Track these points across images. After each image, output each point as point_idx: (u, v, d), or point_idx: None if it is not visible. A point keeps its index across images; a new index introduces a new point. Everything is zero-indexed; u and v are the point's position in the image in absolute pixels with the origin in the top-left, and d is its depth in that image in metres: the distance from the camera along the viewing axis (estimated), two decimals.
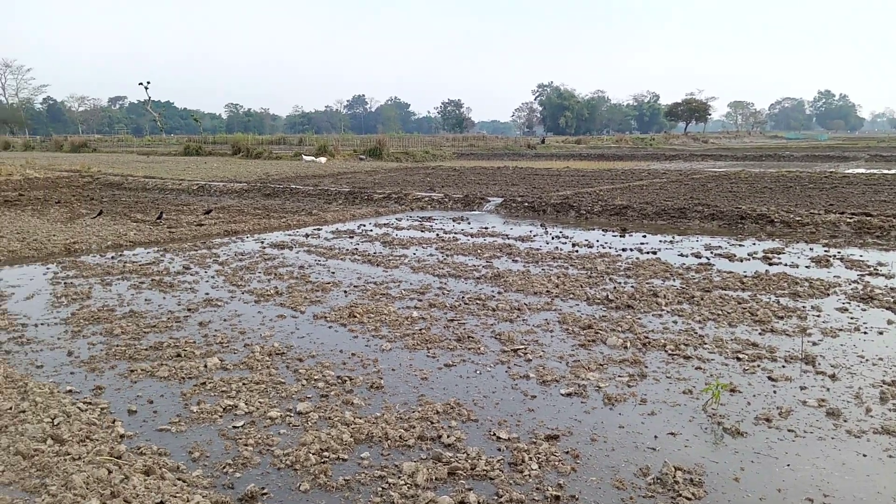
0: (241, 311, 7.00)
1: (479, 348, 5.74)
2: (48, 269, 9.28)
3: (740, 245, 10.83)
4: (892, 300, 7.11)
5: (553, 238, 11.64)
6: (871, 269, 8.77)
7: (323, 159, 36.52)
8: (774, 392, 4.79)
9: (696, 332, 6.10)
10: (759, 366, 5.28)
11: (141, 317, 6.79)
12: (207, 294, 7.73)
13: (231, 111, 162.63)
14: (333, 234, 12.30)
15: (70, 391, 4.87)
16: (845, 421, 4.30)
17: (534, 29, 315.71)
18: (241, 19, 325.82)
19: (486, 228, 12.73)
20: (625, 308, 6.95)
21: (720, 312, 6.70)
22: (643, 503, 3.42)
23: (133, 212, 15.52)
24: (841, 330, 6.17)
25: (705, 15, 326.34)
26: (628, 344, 5.79)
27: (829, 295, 7.45)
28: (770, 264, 9.19)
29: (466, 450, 3.91)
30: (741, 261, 9.49)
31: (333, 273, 8.84)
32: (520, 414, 4.46)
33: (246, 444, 4.01)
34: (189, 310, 7.06)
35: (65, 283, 8.31)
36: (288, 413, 4.46)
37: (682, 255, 9.97)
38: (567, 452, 3.91)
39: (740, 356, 5.46)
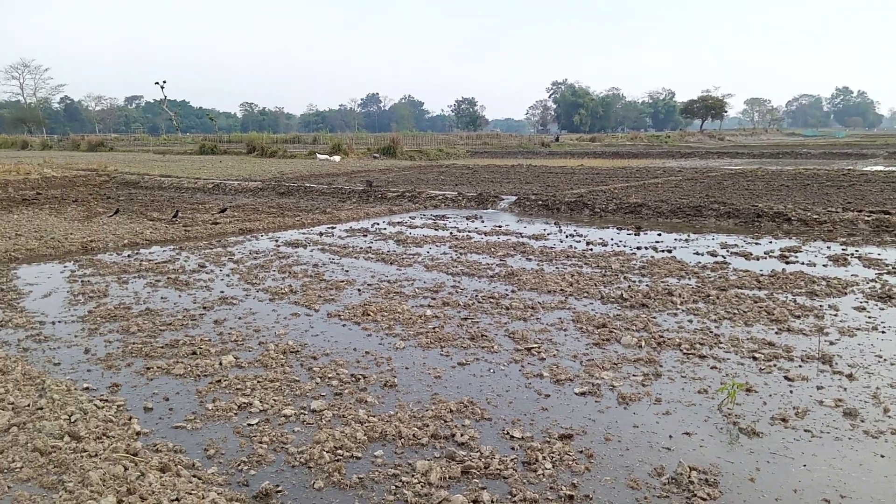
0: (255, 310, 7.03)
1: (492, 347, 5.74)
2: (65, 267, 9.37)
3: (757, 243, 10.74)
4: None
5: (567, 236, 11.60)
6: (890, 267, 8.66)
7: (337, 158, 36.62)
8: (791, 392, 4.75)
9: (711, 332, 6.06)
10: (775, 365, 5.23)
11: (157, 315, 6.84)
12: (222, 292, 7.77)
13: (246, 110, 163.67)
14: (347, 232, 12.34)
15: (87, 388, 4.91)
16: (863, 421, 4.26)
17: (548, 26, 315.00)
18: (256, 19, 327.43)
19: (500, 227, 12.71)
20: (639, 307, 6.92)
21: (736, 311, 6.65)
22: (658, 503, 3.40)
23: (149, 210, 15.64)
24: (858, 329, 6.11)
25: (722, 11, 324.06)
26: (643, 343, 5.76)
27: (846, 294, 7.37)
28: (787, 263, 9.11)
29: (480, 448, 3.91)
30: (757, 259, 9.42)
31: (347, 271, 8.86)
32: (533, 413, 4.45)
33: (260, 442, 4.03)
34: (204, 308, 7.10)
35: (82, 281, 8.40)
36: (302, 411, 4.48)
37: (697, 253, 9.91)
38: (581, 452, 3.89)
39: (756, 355, 5.41)
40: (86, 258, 9.93)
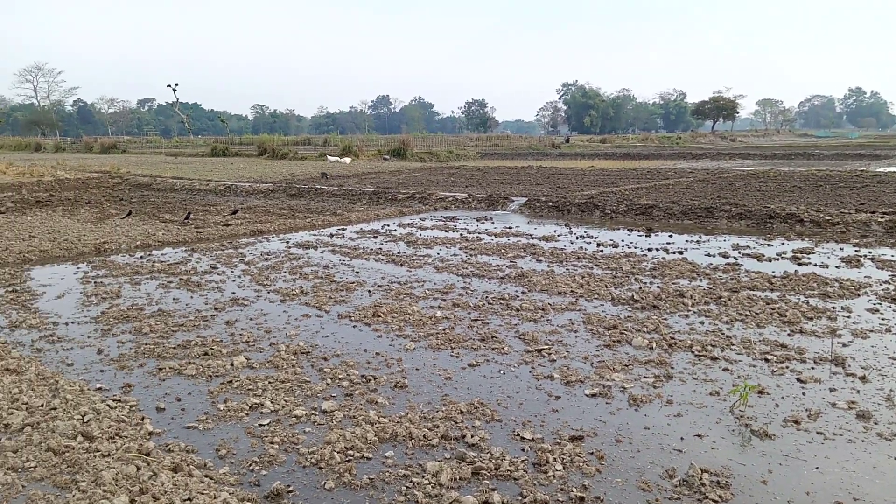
0: (266, 311, 7.06)
1: (502, 348, 5.73)
2: (78, 268, 9.44)
3: (769, 245, 10.68)
4: None
5: (577, 238, 11.58)
6: None
7: (347, 160, 36.69)
8: (803, 394, 4.72)
9: (723, 333, 6.03)
10: (787, 367, 5.20)
11: (169, 316, 6.89)
12: (234, 293, 7.81)
13: (257, 112, 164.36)
14: (358, 233, 12.36)
15: (100, 389, 4.95)
16: (876, 423, 4.23)
17: (559, 27, 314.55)
18: (266, 22, 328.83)
19: (510, 228, 12.70)
20: (650, 308, 6.89)
21: (748, 313, 6.61)
22: None
23: (161, 212, 15.73)
24: (871, 331, 6.06)
25: (733, 12, 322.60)
26: (654, 344, 5.74)
27: (859, 295, 7.32)
28: (799, 264, 9.05)
29: (490, 450, 3.91)
30: (770, 261, 9.36)
31: (358, 273, 8.88)
32: (544, 414, 4.45)
33: (272, 442, 4.05)
34: (216, 309, 7.14)
35: (95, 282, 8.46)
36: (313, 412, 4.49)
37: (709, 254, 9.86)
38: (592, 453, 3.89)
39: (768, 357, 5.38)
40: (99, 259, 10.00)
